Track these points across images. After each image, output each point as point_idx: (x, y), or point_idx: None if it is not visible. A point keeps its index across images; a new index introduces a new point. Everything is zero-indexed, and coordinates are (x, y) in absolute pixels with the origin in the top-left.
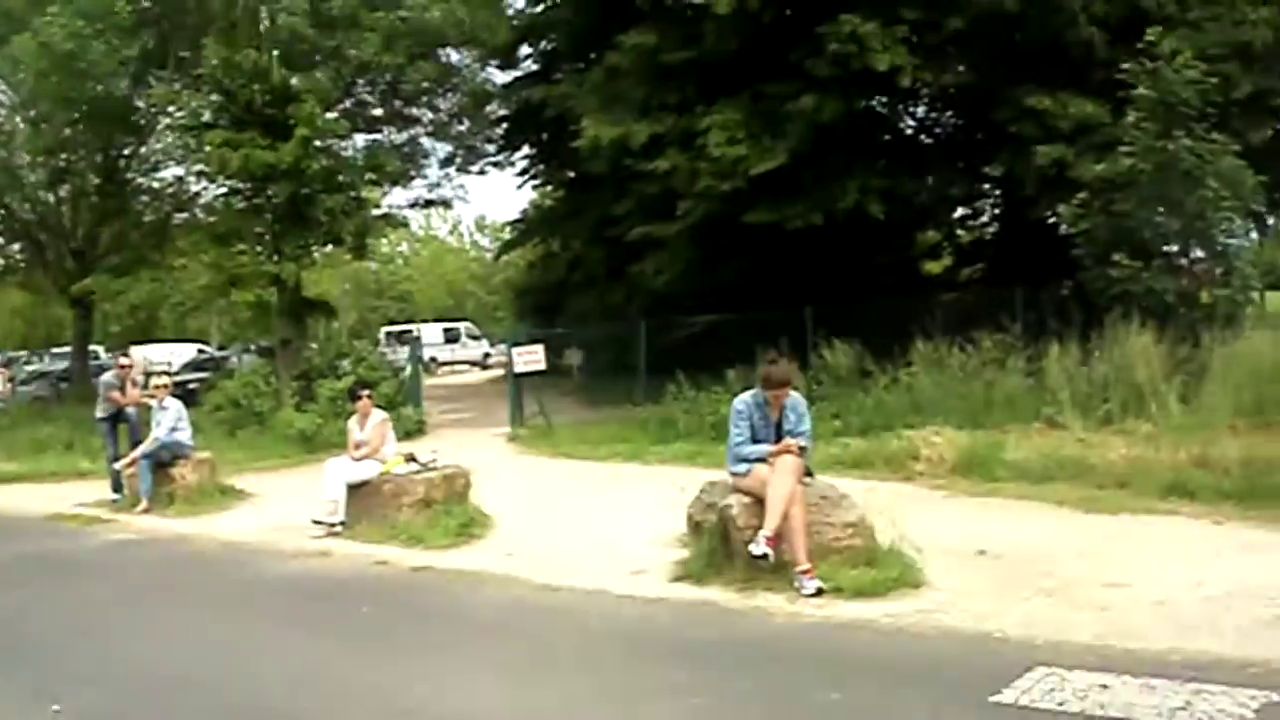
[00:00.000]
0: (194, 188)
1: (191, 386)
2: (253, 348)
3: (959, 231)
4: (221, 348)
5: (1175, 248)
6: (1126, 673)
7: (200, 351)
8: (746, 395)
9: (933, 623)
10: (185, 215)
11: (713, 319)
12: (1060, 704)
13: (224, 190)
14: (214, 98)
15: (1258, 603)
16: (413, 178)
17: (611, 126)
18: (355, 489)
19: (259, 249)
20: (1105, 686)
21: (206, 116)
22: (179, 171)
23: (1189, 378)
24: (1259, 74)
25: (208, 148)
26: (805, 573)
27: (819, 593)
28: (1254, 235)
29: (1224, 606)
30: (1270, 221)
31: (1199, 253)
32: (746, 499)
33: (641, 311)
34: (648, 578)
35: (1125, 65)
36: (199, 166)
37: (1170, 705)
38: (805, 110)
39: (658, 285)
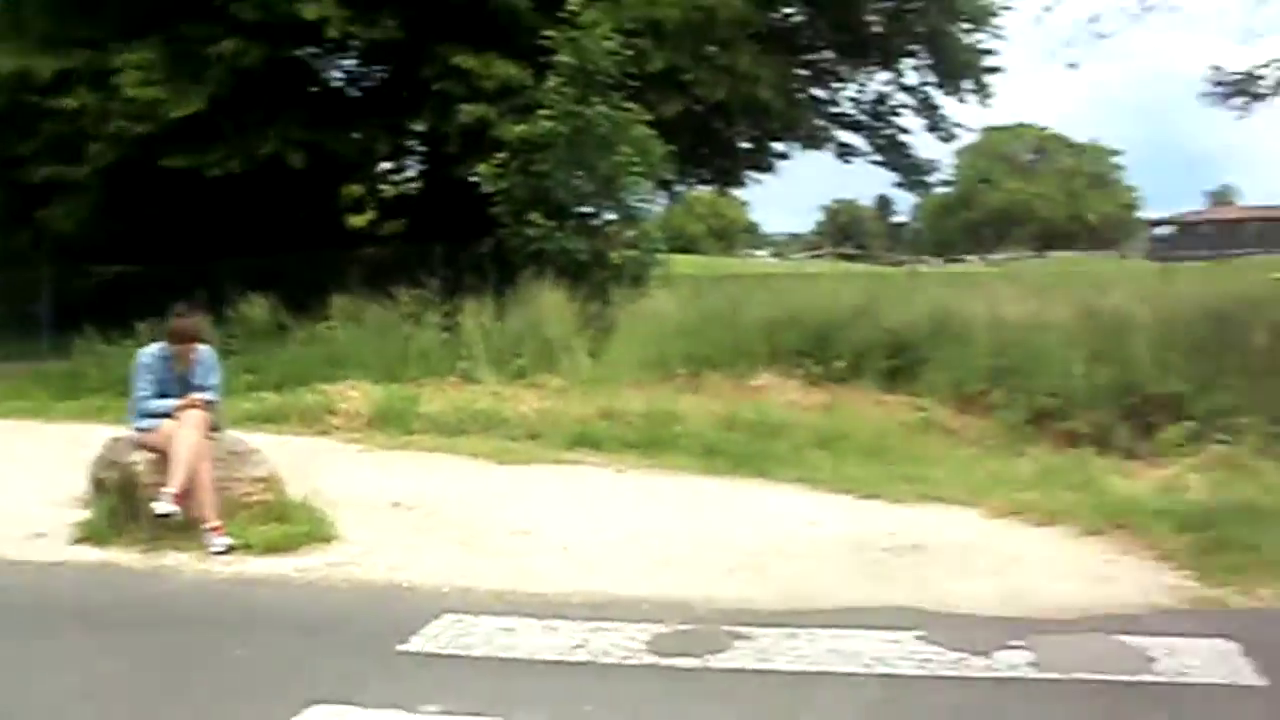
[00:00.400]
0: None
1: None
2: None
3: (382, 186)
4: None
5: (589, 209)
6: (531, 615)
7: None
8: (152, 348)
9: (343, 575)
10: None
11: (125, 269)
12: (467, 649)
13: None
14: None
15: (652, 544)
16: None
17: (12, 58)
18: None
19: None
20: (510, 630)
21: None
22: None
23: (598, 334)
24: (671, 50)
25: None
26: (214, 530)
27: (228, 550)
28: (664, 202)
29: (622, 549)
30: (679, 189)
31: (610, 215)
32: (152, 455)
33: (49, 259)
34: (46, 541)
35: (548, 32)
36: None
37: (570, 644)
38: (226, 55)
39: (67, 230)
